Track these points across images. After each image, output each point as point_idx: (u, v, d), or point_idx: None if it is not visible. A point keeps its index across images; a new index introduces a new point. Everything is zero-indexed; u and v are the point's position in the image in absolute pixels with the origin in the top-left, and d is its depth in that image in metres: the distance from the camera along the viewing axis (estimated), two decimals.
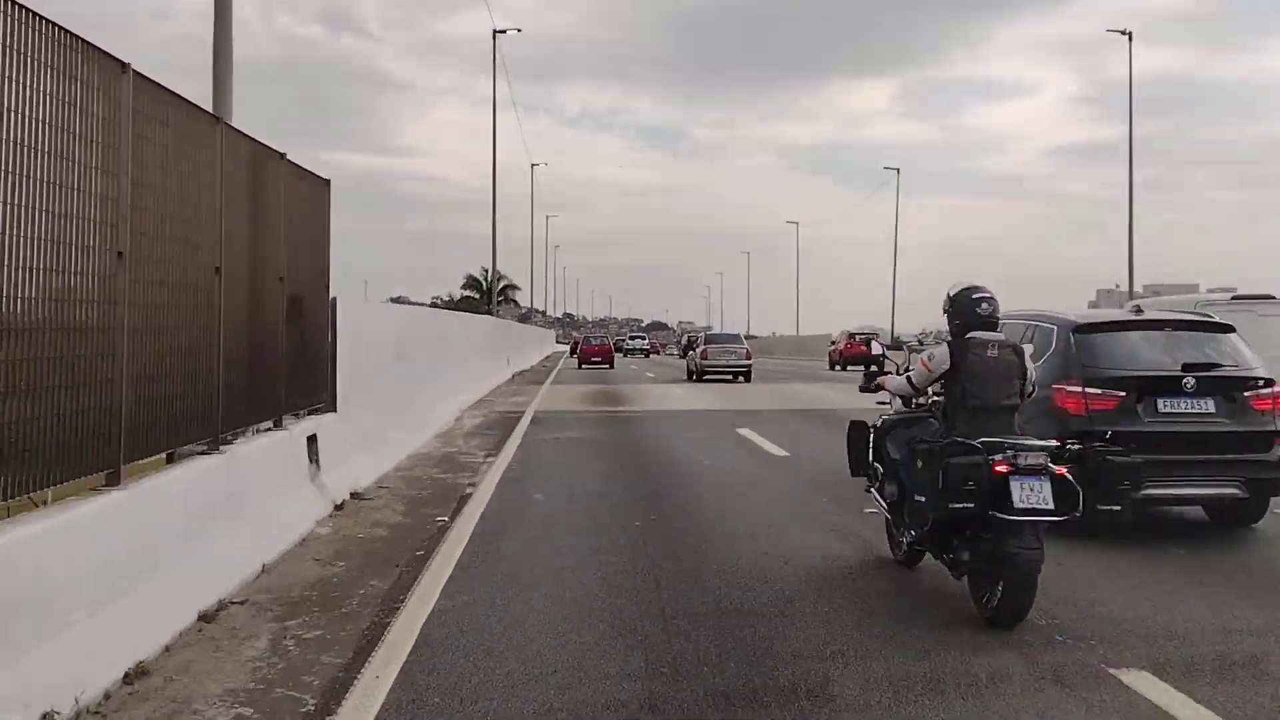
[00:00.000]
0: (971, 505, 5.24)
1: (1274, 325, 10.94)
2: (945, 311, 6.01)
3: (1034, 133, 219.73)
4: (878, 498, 6.65)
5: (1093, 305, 72.04)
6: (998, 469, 5.23)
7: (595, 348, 45.91)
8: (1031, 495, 5.18)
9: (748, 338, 44.03)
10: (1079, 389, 7.53)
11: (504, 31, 43.14)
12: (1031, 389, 5.90)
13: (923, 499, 5.59)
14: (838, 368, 45.69)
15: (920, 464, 5.64)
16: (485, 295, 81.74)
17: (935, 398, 6.23)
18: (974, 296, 5.86)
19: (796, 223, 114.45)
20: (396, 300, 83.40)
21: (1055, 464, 5.31)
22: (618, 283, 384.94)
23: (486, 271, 79.31)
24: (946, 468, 5.29)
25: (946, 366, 5.80)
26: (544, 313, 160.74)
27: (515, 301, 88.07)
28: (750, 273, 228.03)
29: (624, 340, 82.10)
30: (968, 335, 5.82)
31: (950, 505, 5.29)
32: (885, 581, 6.30)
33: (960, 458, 5.31)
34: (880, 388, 6.72)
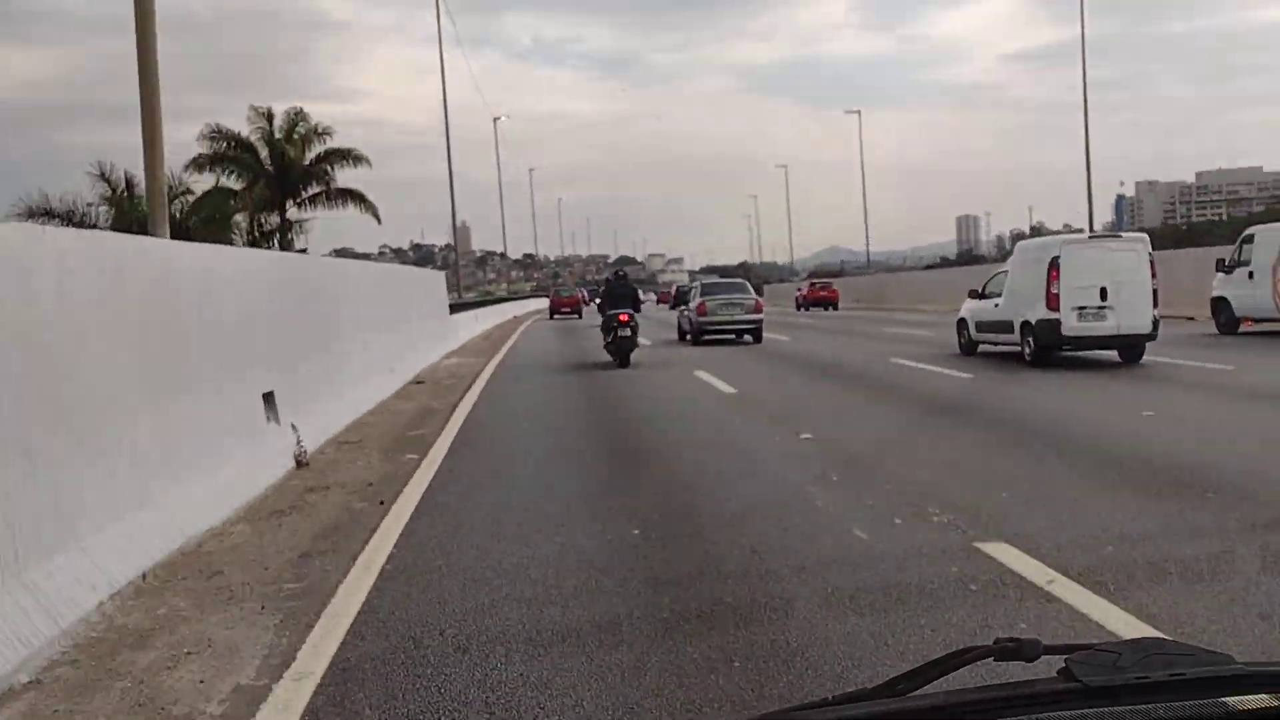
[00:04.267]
0: None
1: (1120, 257, 14.95)
2: None
3: (992, 38, 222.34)
4: None
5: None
6: None
7: (564, 299, 54.62)
8: None
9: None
10: None
11: None
12: None
13: None
14: (803, 309, 48.06)
15: None
16: (276, 174, 34.99)
17: None
18: None
19: (785, 166, 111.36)
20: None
21: None
22: (581, 216, 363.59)
23: (265, 114, 35.75)
24: None
25: None
26: (504, 255, 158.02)
27: (357, 195, 37.42)
28: (710, 200, 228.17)
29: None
30: None
31: None
32: None
33: None
34: None
